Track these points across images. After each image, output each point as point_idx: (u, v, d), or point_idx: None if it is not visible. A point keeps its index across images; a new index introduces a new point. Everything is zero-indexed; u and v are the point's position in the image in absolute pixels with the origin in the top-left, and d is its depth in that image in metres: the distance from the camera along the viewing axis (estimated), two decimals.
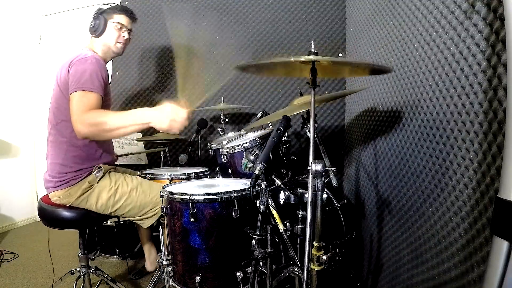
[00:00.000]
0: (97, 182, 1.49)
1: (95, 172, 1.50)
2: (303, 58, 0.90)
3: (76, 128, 1.32)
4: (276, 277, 1.23)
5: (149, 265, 1.96)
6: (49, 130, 1.52)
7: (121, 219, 2.02)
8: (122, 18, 1.63)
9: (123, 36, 1.64)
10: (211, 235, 1.21)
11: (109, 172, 1.57)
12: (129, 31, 1.67)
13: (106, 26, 1.58)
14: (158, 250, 2.07)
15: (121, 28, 1.62)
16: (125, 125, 1.33)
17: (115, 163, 1.74)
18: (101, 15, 1.59)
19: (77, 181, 1.46)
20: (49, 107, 1.53)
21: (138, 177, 1.65)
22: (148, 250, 1.94)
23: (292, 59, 0.92)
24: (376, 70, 1.11)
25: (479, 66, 0.80)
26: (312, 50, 1.01)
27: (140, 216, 1.55)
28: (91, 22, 1.59)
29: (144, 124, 1.34)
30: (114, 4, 1.66)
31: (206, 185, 1.44)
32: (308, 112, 1.48)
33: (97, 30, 1.57)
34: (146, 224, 1.57)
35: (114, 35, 1.61)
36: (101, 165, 1.51)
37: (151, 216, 1.55)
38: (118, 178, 1.56)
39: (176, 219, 1.26)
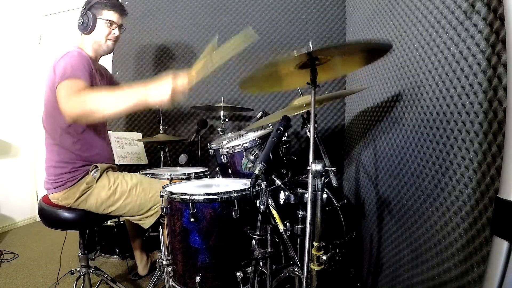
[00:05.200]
0: (96, 183, 1.47)
1: (92, 172, 1.47)
2: (296, 53, 0.90)
3: (65, 112, 1.26)
4: (276, 277, 1.23)
5: (141, 270, 1.97)
6: (45, 132, 1.51)
7: (121, 219, 2.03)
8: (112, 15, 1.56)
9: (114, 34, 1.58)
10: (211, 235, 1.21)
11: (107, 172, 1.54)
12: (119, 27, 1.60)
13: (96, 23, 1.52)
14: (155, 249, 2.07)
15: (111, 24, 1.56)
16: (118, 104, 1.25)
17: (115, 163, 1.73)
18: (90, 11, 1.52)
19: (74, 183, 1.44)
20: (43, 110, 1.50)
21: (138, 175, 1.62)
22: (140, 256, 1.95)
23: (295, 53, 0.92)
24: (373, 54, 1.10)
25: (479, 66, 0.80)
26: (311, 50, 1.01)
27: (140, 215, 1.53)
28: (79, 18, 1.53)
29: (140, 102, 1.25)
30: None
31: (206, 185, 1.44)
32: (308, 112, 1.48)
33: (86, 28, 1.52)
34: (146, 224, 1.55)
35: (104, 32, 1.55)
36: (98, 164, 1.49)
37: (150, 215, 1.53)
38: (116, 177, 1.53)
39: (176, 219, 1.26)
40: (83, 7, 1.55)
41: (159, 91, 1.24)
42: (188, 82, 1.28)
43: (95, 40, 1.56)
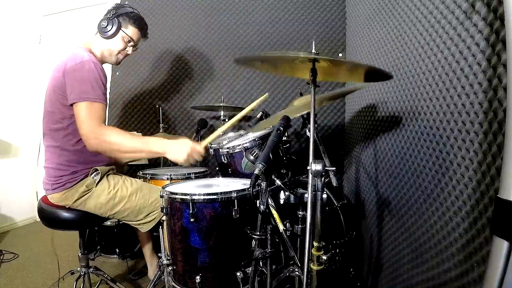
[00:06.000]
0: (96, 186, 1.45)
1: (92, 175, 1.46)
2: (302, 54, 0.91)
3: (89, 141, 1.32)
4: (276, 277, 1.23)
5: (152, 273, 1.92)
6: (44, 133, 1.49)
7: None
8: (136, 34, 1.56)
9: (127, 51, 1.58)
10: (211, 235, 1.21)
11: (107, 175, 1.52)
12: (134, 46, 1.61)
13: (117, 33, 1.51)
14: (158, 250, 2.07)
15: (129, 41, 1.56)
16: (139, 151, 1.37)
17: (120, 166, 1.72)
18: (118, 19, 1.50)
19: (73, 184, 1.43)
20: (43, 111, 1.48)
21: (138, 180, 1.61)
22: (150, 259, 1.91)
23: (291, 54, 0.93)
24: (374, 76, 1.11)
25: (479, 66, 0.80)
26: (313, 50, 1.01)
27: (138, 220, 1.52)
28: (104, 21, 1.49)
29: (158, 154, 1.40)
30: (134, 12, 1.57)
31: (206, 185, 1.44)
32: (308, 112, 1.48)
33: (106, 33, 1.50)
34: (144, 228, 1.53)
35: (119, 46, 1.54)
36: (98, 167, 1.47)
37: (149, 221, 1.51)
38: (117, 181, 1.51)
39: (176, 219, 1.26)
40: (112, 9, 1.52)
41: (177, 151, 1.36)
42: (201, 153, 1.41)
43: (108, 48, 1.55)
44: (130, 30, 1.55)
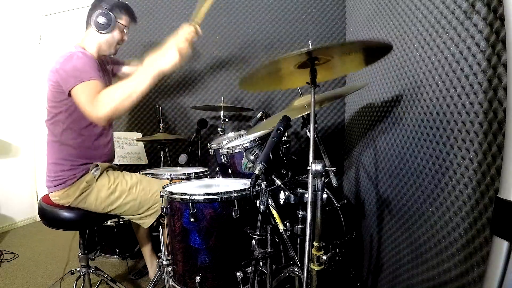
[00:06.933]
0: (96, 182, 1.47)
1: (92, 170, 1.48)
2: (298, 52, 0.90)
3: (94, 116, 1.29)
4: (276, 277, 1.23)
5: (152, 274, 1.93)
6: (47, 129, 1.52)
7: (121, 218, 2.03)
8: (128, 21, 1.60)
9: (124, 39, 1.62)
10: (211, 235, 1.21)
11: (107, 171, 1.55)
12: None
13: (115, 26, 1.54)
14: (158, 250, 2.07)
15: (124, 30, 1.60)
16: (136, 85, 1.29)
17: (115, 163, 1.73)
18: (111, 12, 1.53)
19: (74, 181, 1.45)
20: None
21: (138, 174, 1.63)
22: (150, 260, 1.91)
23: (293, 53, 0.92)
24: (374, 52, 1.09)
25: (479, 66, 0.80)
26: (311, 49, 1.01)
27: (139, 214, 1.54)
28: (99, 17, 1.51)
29: (155, 73, 1.31)
30: (121, 2, 1.60)
31: (206, 185, 1.44)
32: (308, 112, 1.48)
33: (105, 28, 1.52)
34: (146, 223, 1.55)
35: (118, 36, 1.58)
36: (98, 163, 1.50)
37: (150, 215, 1.53)
38: (117, 176, 1.54)
39: (176, 219, 1.26)
40: (104, 6, 1.53)
41: (167, 58, 1.33)
42: (192, 34, 1.41)
43: (107, 40, 1.56)
44: (124, 20, 1.59)
